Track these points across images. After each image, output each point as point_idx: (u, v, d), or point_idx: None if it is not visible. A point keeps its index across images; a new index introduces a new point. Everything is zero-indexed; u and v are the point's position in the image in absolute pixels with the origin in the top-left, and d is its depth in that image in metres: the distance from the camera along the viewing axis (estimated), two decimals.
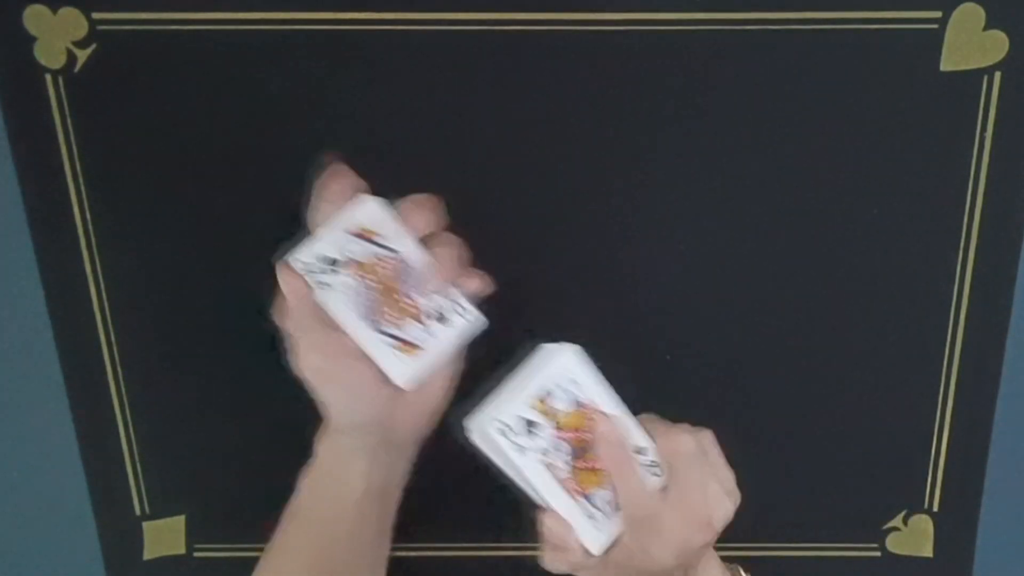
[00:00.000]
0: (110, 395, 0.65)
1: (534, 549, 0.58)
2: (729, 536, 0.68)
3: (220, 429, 0.67)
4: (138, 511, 0.69)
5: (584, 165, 0.60)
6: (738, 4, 0.56)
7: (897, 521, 0.69)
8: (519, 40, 0.57)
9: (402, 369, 0.54)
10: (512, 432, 0.53)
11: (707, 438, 0.57)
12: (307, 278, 0.53)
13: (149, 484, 0.68)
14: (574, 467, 0.54)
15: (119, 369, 0.65)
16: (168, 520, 0.69)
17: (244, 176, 0.60)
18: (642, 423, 0.56)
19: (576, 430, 0.54)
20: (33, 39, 0.57)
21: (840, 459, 0.67)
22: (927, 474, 0.67)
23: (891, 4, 0.56)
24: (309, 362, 0.54)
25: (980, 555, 0.70)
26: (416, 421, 0.58)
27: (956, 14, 0.56)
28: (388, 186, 0.60)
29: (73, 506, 0.68)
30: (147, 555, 0.70)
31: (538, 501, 0.55)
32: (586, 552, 0.54)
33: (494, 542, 0.69)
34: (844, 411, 0.66)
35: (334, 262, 0.54)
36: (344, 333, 0.54)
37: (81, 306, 0.63)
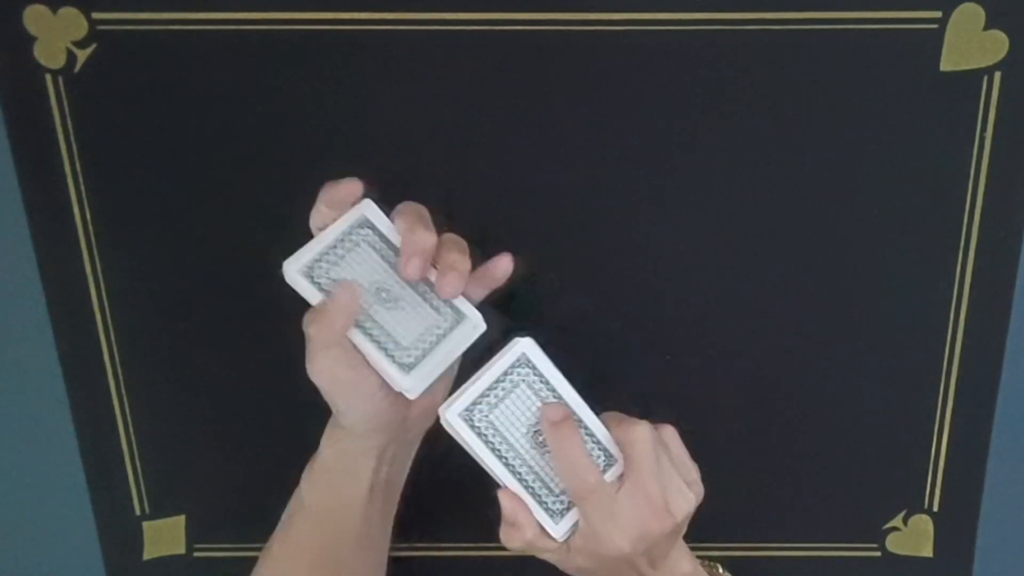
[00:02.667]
0: (110, 395, 0.65)
1: None
2: (729, 536, 0.68)
3: (220, 429, 0.67)
4: (138, 511, 0.69)
5: (583, 165, 0.60)
6: (738, 4, 0.56)
7: (897, 521, 0.69)
8: (519, 40, 0.57)
9: (411, 383, 0.55)
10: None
11: (668, 432, 0.56)
12: (311, 279, 0.54)
13: (149, 484, 0.68)
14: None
15: (119, 369, 0.65)
16: (168, 520, 0.69)
17: (244, 176, 0.60)
18: (603, 418, 0.56)
19: None
20: (33, 39, 0.56)
21: (840, 459, 0.67)
22: (927, 474, 0.67)
23: (891, 4, 0.56)
24: (330, 371, 0.55)
25: (980, 555, 0.70)
26: (422, 419, 0.59)
27: (956, 14, 0.56)
28: (389, 186, 0.60)
29: (73, 506, 0.68)
30: (147, 555, 0.70)
31: (494, 478, 0.55)
32: (542, 531, 0.54)
33: (494, 542, 0.69)
34: (844, 411, 0.66)
35: (340, 257, 0.54)
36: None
37: (81, 306, 0.63)
